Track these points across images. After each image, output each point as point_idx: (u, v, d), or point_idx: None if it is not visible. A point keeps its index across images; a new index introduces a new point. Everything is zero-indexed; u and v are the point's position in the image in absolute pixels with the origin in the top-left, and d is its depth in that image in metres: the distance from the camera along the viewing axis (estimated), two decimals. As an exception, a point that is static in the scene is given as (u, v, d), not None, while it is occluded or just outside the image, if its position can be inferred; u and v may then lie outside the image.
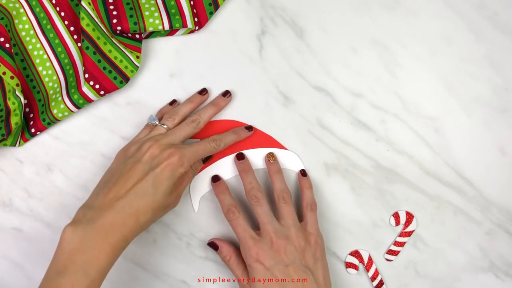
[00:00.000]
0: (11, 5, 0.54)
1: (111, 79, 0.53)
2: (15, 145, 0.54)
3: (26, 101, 0.54)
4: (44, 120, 0.54)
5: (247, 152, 0.56)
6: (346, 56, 0.57)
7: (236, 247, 0.54)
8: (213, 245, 0.54)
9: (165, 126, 0.52)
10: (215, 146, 0.52)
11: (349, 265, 0.57)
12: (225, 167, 0.56)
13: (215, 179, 0.55)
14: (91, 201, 0.48)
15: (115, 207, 0.46)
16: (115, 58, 0.53)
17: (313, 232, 0.52)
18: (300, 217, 0.54)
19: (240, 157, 0.55)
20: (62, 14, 0.54)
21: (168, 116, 0.53)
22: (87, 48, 0.52)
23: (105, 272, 0.45)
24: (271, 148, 0.56)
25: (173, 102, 0.55)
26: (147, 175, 0.48)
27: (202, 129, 0.54)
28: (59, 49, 0.54)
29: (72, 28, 0.54)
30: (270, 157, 0.55)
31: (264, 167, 0.56)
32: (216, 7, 0.55)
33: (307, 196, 0.54)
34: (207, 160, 0.55)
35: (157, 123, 0.53)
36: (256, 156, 0.56)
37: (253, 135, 0.56)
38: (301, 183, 0.55)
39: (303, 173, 0.56)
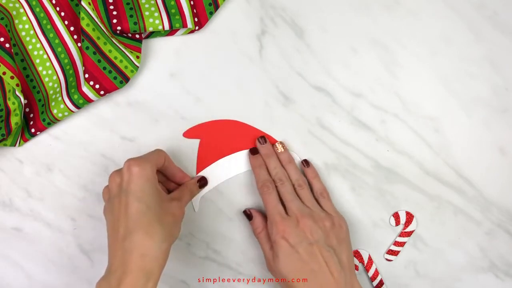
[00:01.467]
0: (11, 5, 0.54)
1: (111, 79, 0.53)
2: (15, 145, 0.54)
3: (26, 101, 0.54)
4: (44, 120, 0.54)
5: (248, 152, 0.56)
6: (346, 56, 0.57)
7: None
8: (247, 214, 0.55)
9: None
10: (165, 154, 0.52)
11: (349, 265, 0.57)
12: (233, 164, 0.56)
13: (254, 151, 0.55)
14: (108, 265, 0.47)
15: (124, 249, 0.45)
16: (115, 58, 0.53)
17: (335, 215, 0.53)
18: None
19: (263, 141, 0.55)
20: (62, 14, 0.54)
21: None
22: (87, 48, 0.52)
23: None
24: (271, 148, 0.56)
25: None
26: (125, 201, 0.46)
27: (204, 129, 0.54)
28: (59, 49, 0.54)
29: (72, 28, 0.54)
30: (280, 146, 0.55)
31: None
32: (216, 7, 0.55)
33: (316, 185, 0.55)
34: (203, 186, 0.55)
35: None
36: (256, 156, 0.56)
37: (253, 135, 0.56)
38: (307, 174, 0.55)
39: (306, 163, 0.56)
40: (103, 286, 0.45)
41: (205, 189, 0.56)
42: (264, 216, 0.54)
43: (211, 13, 0.55)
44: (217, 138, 0.56)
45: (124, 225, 0.46)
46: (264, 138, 0.55)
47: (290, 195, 0.52)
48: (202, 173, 0.56)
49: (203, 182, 0.55)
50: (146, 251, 0.45)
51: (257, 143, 0.55)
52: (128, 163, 0.47)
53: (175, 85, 0.56)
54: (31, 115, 0.54)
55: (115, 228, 0.47)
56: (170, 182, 0.54)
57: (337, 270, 0.49)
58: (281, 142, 0.56)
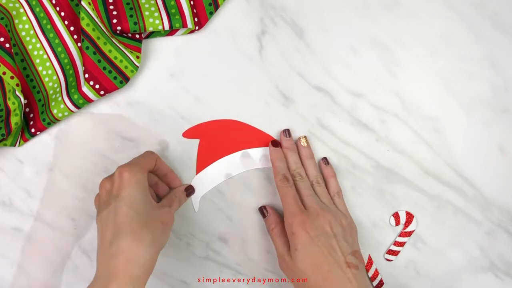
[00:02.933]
0: (11, 5, 0.54)
1: (111, 79, 0.53)
2: (15, 145, 0.54)
3: (26, 101, 0.54)
4: (44, 120, 0.54)
5: (248, 152, 0.56)
6: (346, 56, 0.57)
7: (283, 219, 0.53)
8: (262, 211, 0.55)
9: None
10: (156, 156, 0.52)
11: (349, 265, 0.57)
12: (233, 164, 0.56)
13: (275, 144, 0.55)
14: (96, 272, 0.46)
15: (110, 254, 0.44)
16: (115, 58, 0.53)
17: (347, 215, 0.54)
18: None
19: (288, 134, 0.55)
20: (62, 14, 0.54)
21: None
22: (87, 48, 0.52)
23: None
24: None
25: None
26: (115, 206, 0.45)
27: (203, 129, 0.54)
28: (59, 49, 0.54)
29: (72, 28, 0.54)
30: (304, 140, 0.56)
31: (264, 166, 0.56)
32: (216, 7, 0.55)
33: (332, 184, 0.55)
34: (190, 194, 0.55)
35: None
36: (256, 156, 0.56)
37: (253, 135, 0.56)
38: (324, 173, 0.56)
39: (325, 161, 0.56)
40: None
41: (205, 189, 0.56)
42: (278, 213, 0.55)
43: (211, 13, 0.55)
44: (217, 138, 0.56)
45: (112, 230, 0.45)
46: (289, 131, 0.55)
47: (308, 190, 0.53)
48: (202, 173, 0.56)
49: (190, 191, 0.55)
50: (133, 257, 0.44)
51: (281, 135, 0.55)
52: (120, 169, 0.47)
53: (175, 85, 0.56)
54: (31, 115, 0.54)
55: (103, 233, 0.46)
56: (160, 186, 0.54)
57: (354, 265, 0.49)
58: (305, 137, 0.56)
